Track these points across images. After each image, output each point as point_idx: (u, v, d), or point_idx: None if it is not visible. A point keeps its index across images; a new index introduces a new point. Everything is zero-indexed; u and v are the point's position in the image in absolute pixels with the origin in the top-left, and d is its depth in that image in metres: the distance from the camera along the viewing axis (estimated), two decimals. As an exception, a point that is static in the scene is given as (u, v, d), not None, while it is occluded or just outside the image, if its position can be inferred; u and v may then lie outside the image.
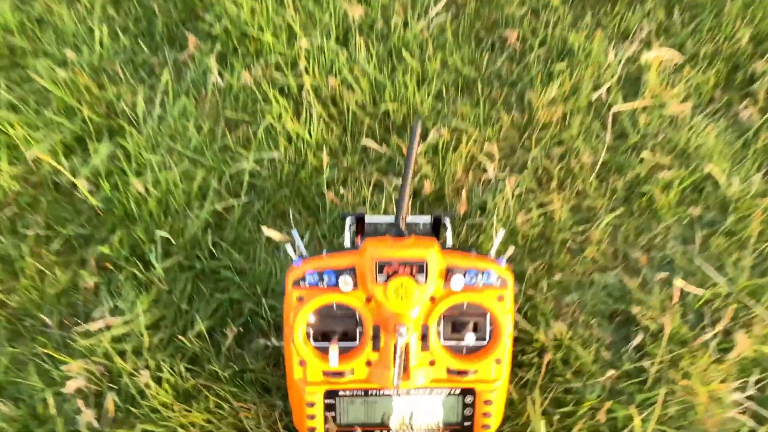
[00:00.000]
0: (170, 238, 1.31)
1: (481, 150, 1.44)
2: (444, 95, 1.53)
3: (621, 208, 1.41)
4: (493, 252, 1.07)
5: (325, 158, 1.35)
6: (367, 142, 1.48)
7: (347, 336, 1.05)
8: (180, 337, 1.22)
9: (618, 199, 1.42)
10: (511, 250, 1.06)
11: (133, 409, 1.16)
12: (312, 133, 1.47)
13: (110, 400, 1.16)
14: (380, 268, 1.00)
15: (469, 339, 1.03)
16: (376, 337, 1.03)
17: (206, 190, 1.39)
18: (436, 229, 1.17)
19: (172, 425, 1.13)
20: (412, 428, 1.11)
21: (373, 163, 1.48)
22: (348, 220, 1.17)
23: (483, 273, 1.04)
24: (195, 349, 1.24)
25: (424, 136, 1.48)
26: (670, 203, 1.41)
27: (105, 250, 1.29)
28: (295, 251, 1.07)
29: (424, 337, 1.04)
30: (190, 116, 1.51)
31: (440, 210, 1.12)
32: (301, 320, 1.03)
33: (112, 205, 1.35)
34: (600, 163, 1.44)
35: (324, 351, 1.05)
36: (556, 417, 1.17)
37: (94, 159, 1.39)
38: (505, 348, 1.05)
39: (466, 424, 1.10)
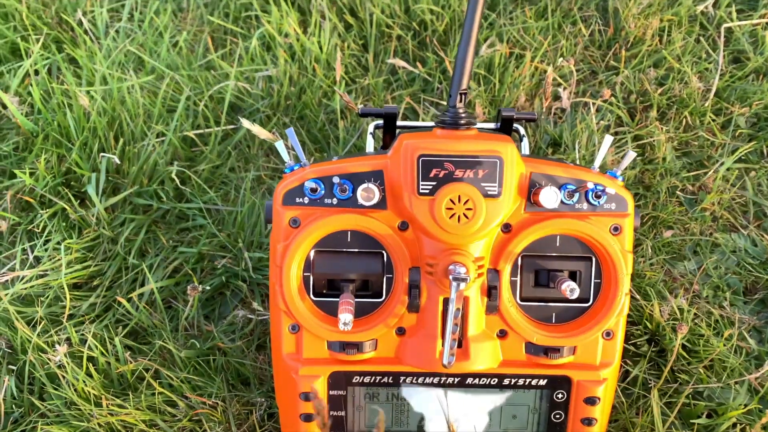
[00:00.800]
0: (118, 163, 0.92)
1: (553, 68, 1.06)
2: (500, 2, 1.15)
3: (748, 147, 1.01)
4: (597, 163, 0.67)
5: (339, 69, 0.97)
6: (396, 61, 1.10)
7: (368, 287, 0.66)
8: (120, 298, 0.83)
9: (742, 136, 1.03)
10: (630, 156, 0.66)
11: (38, 404, 0.77)
12: (323, 46, 1.10)
13: (4, 387, 0.77)
14: (425, 172, 0.61)
15: (570, 295, 0.63)
16: (413, 289, 0.64)
17: (175, 110, 1.02)
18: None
19: (95, 429, 0.73)
20: (467, 442, 0.70)
21: (404, 87, 1.10)
22: (370, 126, 0.78)
23: (589, 191, 0.64)
24: (141, 318, 0.84)
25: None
26: (817, 142, 1.01)
27: (26, 178, 0.90)
28: (289, 156, 0.68)
29: (491, 292, 0.64)
30: (165, 30, 1.14)
31: (510, 108, 0.74)
32: (295, 258, 0.64)
33: (45, 125, 0.98)
34: (714, 91, 1.05)
35: (330, 309, 0.66)
36: (686, 433, 0.75)
37: (25, 63, 1.02)
38: (622, 312, 0.65)
39: (554, 437, 0.69)
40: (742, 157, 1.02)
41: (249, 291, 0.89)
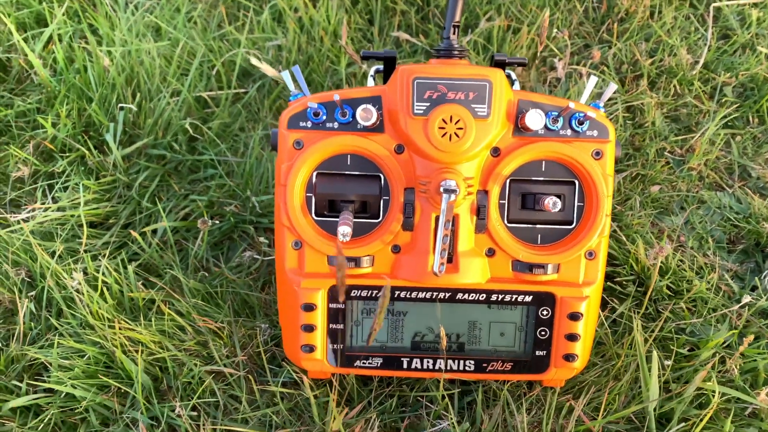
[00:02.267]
0: (136, 112, 0.98)
1: (549, 39, 1.11)
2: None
3: (734, 114, 1.06)
4: (583, 99, 0.73)
5: (345, 33, 1.03)
6: (400, 34, 1.17)
7: (366, 210, 0.71)
8: (133, 232, 0.88)
9: (729, 103, 1.07)
10: (612, 88, 0.71)
11: (55, 323, 0.81)
12: (330, 19, 1.16)
13: (24, 308, 0.82)
14: (420, 93, 0.67)
15: (553, 208, 0.67)
16: (408, 206, 0.69)
17: (188, 74, 1.08)
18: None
19: (108, 345, 0.78)
20: (458, 356, 0.74)
21: (408, 58, 1.16)
22: (371, 69, 0.84)
23: (572, 117, 0.69)
24: (153, 255, 0.89)
25: (473, 26, 1.16)
26: (800, 109, 1.06)
27: (48, 126, 0.96)
28: (294, 87, 0.74)
29: (480, 211, 0.69)
30: (182, 6, 1.21)
31: (502, 53, 0.79)
32: (299, 176, 0.69)
33: (67, 80, 1.04)
34: (702, 63, 1.10)
35: (331, 228, 0.71)
36: (668, 363, 0.79)
37: (50, 26, 1.09)
38: (603, 232, 0.70)
39: (539, 353, 0.73)
40: (728, 123, 1.06)
41: (256, 234, 0.94)
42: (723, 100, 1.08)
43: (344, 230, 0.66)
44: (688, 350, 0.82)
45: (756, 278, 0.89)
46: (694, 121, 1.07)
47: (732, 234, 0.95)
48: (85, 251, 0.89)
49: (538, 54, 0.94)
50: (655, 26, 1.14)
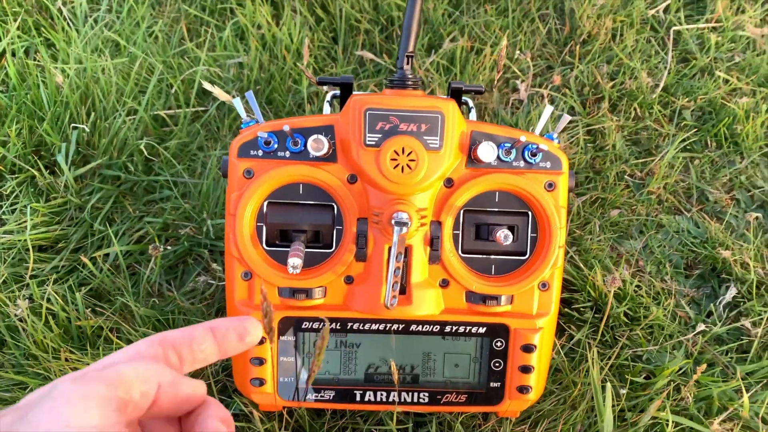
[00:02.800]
0: (89, 133, 0.96)
1: (511, 61, 1.12)
2: (463, 3, 1.21)
3: (692, 138, 1.07)
4: (538, 129, 0.72)
5: (307, 54, 1.02)
6: (363, 53, 1.16)
7: (318, 239, 0.70)
8: (83, 258, 0.86)
9: (687, 127, 1.08)
10: (566, 119, 0.71)
11: (-3, 354, 0.79)
12: (293, 37, 1.15)
13: (-35, 338, 0.79)
14: (372, 124, 0.66)
15: (504, 241, 0.66)
16: (361, 238, 0.67)
17: (146, 91, 1.05)
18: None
19: (52, 378, 0.75)
20: (412, 388, 0.73)
21: (372, 77, 1.15)
22: (327, 95, 0.83)
23: (525, 148, 0.69)
24: (104, 280, 0.87)
25: (436, 47, 1.16)
26: (756, 134, 1.07)
27: (-4, 146, 0.94)
28: (246, 115, 0.73)
29: (434, 242, 0.68)
30: (142, 21, 1.19)
31: (459, 81, 0.79)
32: (249, 206, 0.67)
33: (19, 100, 1.01)
34: (662, 86, 1.11)
35: (282, 258, 0.69)
36: (624, 392, 0.79)
37: (2, 41, 1.06)
38: (556, 264, 0.69)
39: (493, 385, 0.72)
40: (687, 147, 1.07)
41: (211, 258, 0.92)
42: (682, 124, 1.09)
43: (294, 262, 0.65)
44: (644, 378, 0.82)
45: (711, 304, 0.90)
46: (654, 144, 1.07)
47: (689, 258, 0.96)
48: (32, 277, 0.86)
49: (497, 77, 0.94)
50: (616, 49, 1.15)
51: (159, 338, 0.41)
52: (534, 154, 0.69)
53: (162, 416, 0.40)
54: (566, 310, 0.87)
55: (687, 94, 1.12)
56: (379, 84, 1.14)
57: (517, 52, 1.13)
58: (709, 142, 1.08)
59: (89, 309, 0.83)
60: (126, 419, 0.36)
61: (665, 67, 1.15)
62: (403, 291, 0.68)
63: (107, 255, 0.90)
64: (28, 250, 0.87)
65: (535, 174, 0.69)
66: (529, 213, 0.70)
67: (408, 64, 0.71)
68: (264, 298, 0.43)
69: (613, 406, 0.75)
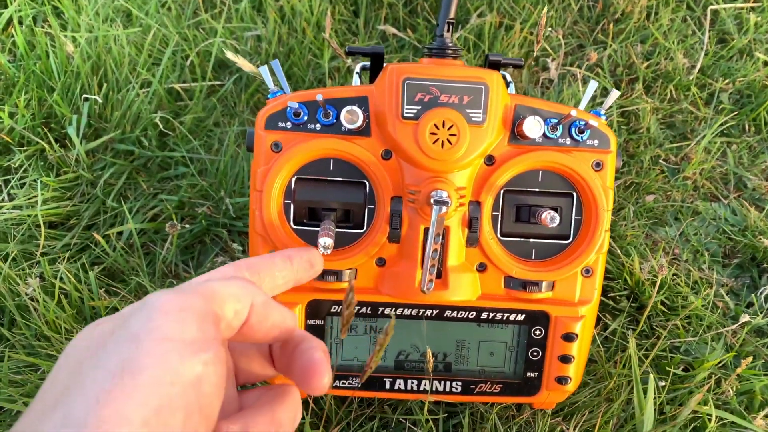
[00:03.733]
0: (103, 105, 0.91)
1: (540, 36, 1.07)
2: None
3: (730, 122, 1.02)
4: (582, 105, 0.68)
5: (329, 25, 0.97)
6: (386, 27, 1.11)
7: (349, 217, 0.65)
8: (96, 235, 0.82)
9: (725, 111, 1.04)
10: (615, 94, 0.67)
11: (7, 334, 0.75)
12: (313, 9, 1.10)
13: (-27, 317, 0.75)
14: (410, 95, 0.61)
15: (550, 223, 0.62)
16: (395, 217, 0.63)
17: (160, 63, 1.01)
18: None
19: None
20: (445, 377, 0.69)
21: (395, 54, 1.10)
22: (356, 66, 0.78)
23: (572, 125, 0.64)
24: (117, 259, 0.83)
25: (463, 22, 1.11)
26: (797, 119, 1.02)
27: (4, 117, 0.89)
28: (273, 83, 0.68)
29: (472, 224, 0.64)
30: (156, -9, 1.14)
31: (497, 53, 0.74)
32: (276, 182, 0.63)
33: (28, 70, 0.97)
34: (698, 67, 1.07)
35: (310, 238, 0.65)
36: (663, 384, 0.75)
37: (9, 8, 1.01)
38: (601, 249, 0.65)
39: (530, 375, 0.68)
40: (725, 131, 1.03)
41: (230, 239, 0.88)
42: (719, 107, 1.05)
43: (325, 242, 0.60)
44: (682, 370, 0.79)
45: (753, 295, 0.86)
46: (689, 128, 1.03)
47: (727, 247, 0.92)
48: (43, 254, 0.82)
49: (535, 52, 0.89)
50: (651, 28, 1.10)
51: (244, 264, 0.41)
52: (582, 131, 0.64)
53: (251, 339, 0.39)
54: (601, 298, 0.83)
55: (725, 76, 1.07)
56: (403, 60, 1.09)
57: (548, 29, 1.08)
58: (747, 127, 1.04)
59: (102, 289, 0.79)
60: (220, 336, 0.35)
61: (702, 48, 1.10)
62: (438, 275, 0.64)
63: (120, 233, 0.86)
64: (38, 226, 0.83)
65: (582, 152, 0.64)
66: (574, 194, 0.66)
67: (448, 31, 0.66)
68: (351, 288, 0.39)
69: (653, 399, 0.71)
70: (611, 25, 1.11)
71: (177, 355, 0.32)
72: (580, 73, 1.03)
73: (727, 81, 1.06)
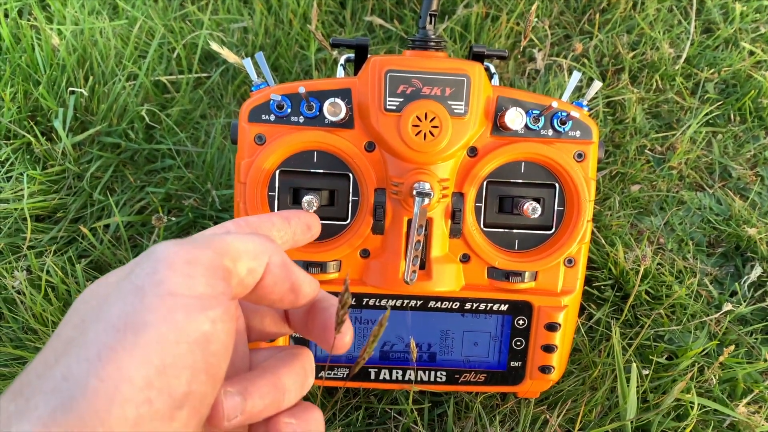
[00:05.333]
0: (89, 98, 0.91)
1: (528, 29, 1.07)
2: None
3: (715, 112, 1.03)
4: (566, 96, 0.68)
5: (315, 17, 0.97)
6: (373, 18, 1.11)
7: (333, 209, 0.66)
8: (83, 228, 0.82)
9: (711, 100, 1.04)
10: (597, 86, 0.67)
11: (-6, 328, 0.75)
12: (300, 0, 1.10)
13: (-41, 310, 0.75)
14: (393, 87, 0.62)
15: (532, 214, 0.63)
16: (378, 209, 0.64)
17: (146, 56, 1.01)
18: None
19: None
20: (429, 367, 0.70)
21: (381, 45, 1.10)
22: (341, 58, 0.78)
23: (554, 116, 0.65)
24: (105, 252, 0.83)
25: (449, 13, 1.11)
26: (782, 108, 1.03)
27: (-10, 110, 0.89)
28: (257, 76, 0.68)
29: (456, 215, 0.64)
30: (142, -18, 1.13)
31: (481, 45, 0.74)
32: (260, 174, 0.63)
33: (12, 60, 0.96)
34: (684, 57, 1.07)
35: (294, 229, 0.65)
36: (646, 372, 0.76)
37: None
38: (583, 239, 0.66)
39: (514, 364, 0.69)
40: (710, 121, 1.03)
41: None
42: (705, 97, 1.05)
43: (310, 199, 0.61)
44: (666, 358, 0.80)
45: (736, 284, 0.87)
46: (675, 118, 1.04)
47: (712, 236, 0.93)
48: (29, 248, 0.82)
49: (522, 44, 0.90)
50: (637, 18, 1.10)
51: (243, 221, 0.39)
52: (564, 122, 0.65)
53: (266, 302, 0.36)
54: (586, 288, 0.84)
55: (710, 65, 1.08)
56: (390, 51, 1.09)
57: (535, 19, 1.08)
58: (732, 116, 1.04)
59: (90, 282, 0.79)
60: (230, 292, 0.32)
61: (688, 38, 1.10)
62: (422, 266, 0.65)
63: (107, 226, 0.86)
64: (25, 219, 0.83)
65: (564, 143, 0.65)
66: (557, 185, 0.66)
67: (431, 23, 0.67)
68: (346, 288, 0.38)
69: (636, 387, 0.72)
70: (597, 15, 1.11)
71: (183, 312, 0.29)
72: (566, 63, 1.04)
73: (712, 71, 1.07)
